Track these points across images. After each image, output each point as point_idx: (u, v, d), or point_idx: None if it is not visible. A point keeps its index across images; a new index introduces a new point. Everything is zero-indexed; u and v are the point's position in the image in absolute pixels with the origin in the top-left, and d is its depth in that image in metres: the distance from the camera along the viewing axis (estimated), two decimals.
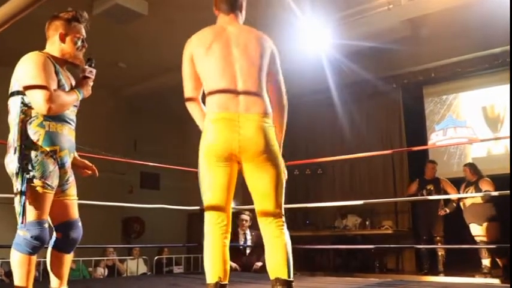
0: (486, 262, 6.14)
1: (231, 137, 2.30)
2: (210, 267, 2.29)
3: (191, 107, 2.47)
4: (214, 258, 2.29)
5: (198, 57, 2.40)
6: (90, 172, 2.67)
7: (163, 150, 9.58)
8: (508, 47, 6.95)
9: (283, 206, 2.38)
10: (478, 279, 5.60)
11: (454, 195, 6.51)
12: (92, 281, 6.00)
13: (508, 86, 7.70)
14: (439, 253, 6.67)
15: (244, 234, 6.42)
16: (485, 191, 5.95)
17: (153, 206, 5.62)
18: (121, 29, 6.62)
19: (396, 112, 8.47)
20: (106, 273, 7.25)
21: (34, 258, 2.28)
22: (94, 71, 2.59)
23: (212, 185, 2.34)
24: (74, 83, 2.53)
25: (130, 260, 7.53)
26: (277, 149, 2.42)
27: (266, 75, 2.45)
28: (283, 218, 2.36)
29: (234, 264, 5.77)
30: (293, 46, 6.50)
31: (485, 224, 6.12)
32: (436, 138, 8.25)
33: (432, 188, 6.73)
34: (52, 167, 2.33)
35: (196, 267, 6.95)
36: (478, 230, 6.18)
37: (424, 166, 7.17)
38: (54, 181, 2.33)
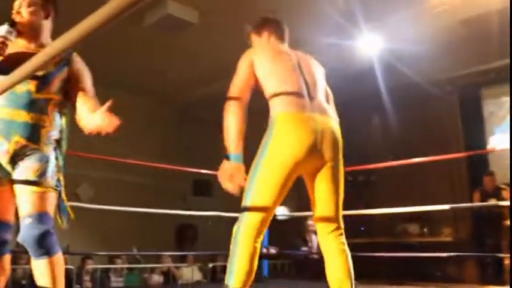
0: None
1: (312, 143, 2.19)
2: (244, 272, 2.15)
3: (232, 107, 2.31)
4: (253, 264, 2.15)
5: (263, 61, 2.37)
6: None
7: (215, 156, 9.61)
8: None
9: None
10: None
11: None
12: None
13: None
14: (505, 262, 6.38)
15: (311, 238, 6.56)
16: None
17: (206, 214, 5.62)
18: (171, 37, 6.71)
19: (452, 116, 8.21)
20: (162, 280, 7.34)
21: None
22: None
23: (278, 193, 2.18)
24: None
25: (185, 267, 7.58)
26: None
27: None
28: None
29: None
30: (345, 51, 6.41)
31: None
32: (496, 142, 7.93)
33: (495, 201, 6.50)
34: None
35: None
36: None
37: (484, 172, 6.94)
38: None
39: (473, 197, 6.83)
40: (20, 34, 2.26)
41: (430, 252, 6.99)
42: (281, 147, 2.17)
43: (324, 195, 2.28)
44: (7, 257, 2.24)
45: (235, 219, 2.29)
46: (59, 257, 2.13)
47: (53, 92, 2.27)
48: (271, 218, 2.23)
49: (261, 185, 2.17)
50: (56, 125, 2.32)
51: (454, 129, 8.14)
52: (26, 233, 2.07)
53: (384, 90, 7.56)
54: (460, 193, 7.85)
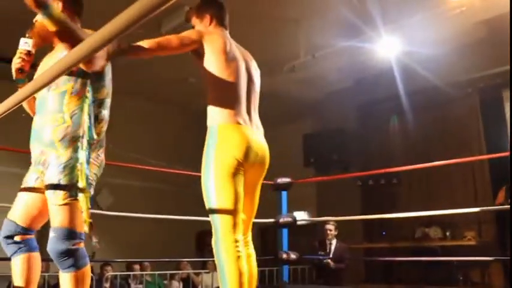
0: None
1: (247, 150, 2.33)
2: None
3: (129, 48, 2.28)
4: (242, 271, 2.28)
5: (217, 58, 2.39)
6: None
7: None
8: None
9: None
10: None
11: None
12: None
13: None
14: None
15: (330, 244, 6.58)
16: None
17: None
18: None
19: (473, 118, 8.09)
20: (181, 286, 7.34)
21: None
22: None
23: (234, 195, 2.29)
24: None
25: (205, 273, 7.56)
26: None
27: None
28: None
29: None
30: (364, 53, 6.37)
31: None
32: None
33: None
34: None
35: (271, 281, 6.90)
36: None
37: (507, 175, 6.81)
38: None
39: (498, 196, 6.68)
40: (39, 40, 2.20)
41: (452, 256, 6.88)
42: (224, 151, 2.28)
43: (251, 206, 2.49)
44: (32, 257, 2.20)
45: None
46: (85, 270, 2.09)
47: (62, 83, 2.12)
48: (240, 220, 2.32)
49: (218, 190, 2.27)
50: (75, 119, 2.12)
51: (475, 131, 8.02)
52: (50, 246, 2.05)
53: (404, 92, 7.48)
54: (482, 195, 7.72)
